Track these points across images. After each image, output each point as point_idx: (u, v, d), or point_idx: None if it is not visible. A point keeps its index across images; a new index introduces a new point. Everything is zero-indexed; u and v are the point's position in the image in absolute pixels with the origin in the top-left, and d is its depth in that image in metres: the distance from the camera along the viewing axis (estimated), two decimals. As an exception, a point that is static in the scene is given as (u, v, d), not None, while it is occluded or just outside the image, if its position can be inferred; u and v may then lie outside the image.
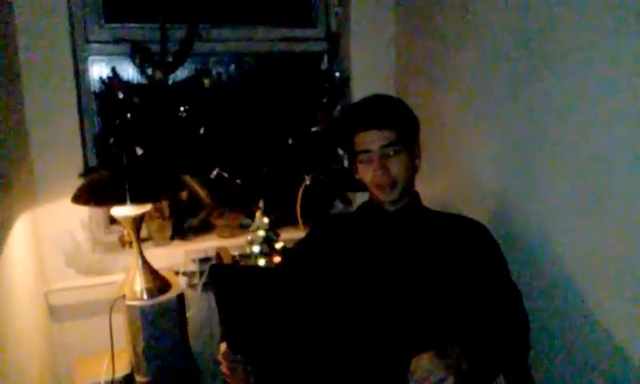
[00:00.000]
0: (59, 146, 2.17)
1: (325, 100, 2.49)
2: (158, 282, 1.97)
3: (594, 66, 1.43)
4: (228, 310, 1.36)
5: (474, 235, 1.53)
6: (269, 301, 1.35)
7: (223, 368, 1.44)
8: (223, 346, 1.44)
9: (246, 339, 1.38)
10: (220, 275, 1.39)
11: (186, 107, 2.24)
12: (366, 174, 1.51)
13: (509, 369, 1.50)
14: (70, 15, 2.19)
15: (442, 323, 1.42)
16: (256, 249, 2.12)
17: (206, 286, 2.20)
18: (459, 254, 1.49)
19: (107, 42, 2.34)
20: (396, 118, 1.50)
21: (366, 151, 1.48)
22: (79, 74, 2.27)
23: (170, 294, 1.95)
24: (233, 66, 2.60)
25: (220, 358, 1.45)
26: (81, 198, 1.84)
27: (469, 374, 1.23)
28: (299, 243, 1.78)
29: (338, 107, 2.58)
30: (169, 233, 2.42)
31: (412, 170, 1.54)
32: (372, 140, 1.47)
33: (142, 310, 1.89)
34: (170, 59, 2.22)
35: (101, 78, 2.25)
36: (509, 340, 1.39)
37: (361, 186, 1.57)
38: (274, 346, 1.36)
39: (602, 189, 1.43)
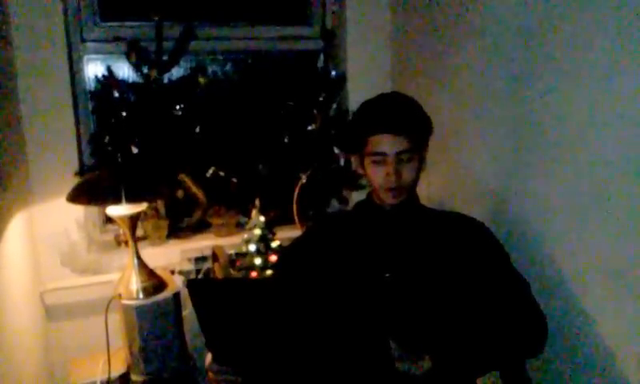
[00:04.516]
0: (55, 145, 2.17)
1: (321, 98, 2.48)
2: (153, 281, 1.96)
3: (594, 66, 1.43)
4: (208, 323, 1.36)
5: (472, 231, 1.53)
6: (249, 310, 1.34)
7: (210, 377, 1.44)
8: (209, 357, 1.44)
9: (229, 350, 1.38)
10: (197, 290, 1.38)
11: (182, 106, 2.23)
12: (377, 175, 1.49)
13: (507, 364, 1.51)
14: (66, 14, 2.19)
15: (441, 319, 1.43)
16: (252, 247, 2.12)
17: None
18: (458, 250, 1.49)
19: (103, 41, 2.34)
20: (416, 126, 1.47)
21: (381, 153, 1.46)
22: (75, 73, 2.27)
23: (166, 294, 1.95)
24: (229, 65, 2.60)
25: (206, 367, 1.45)
26: (76, 197, 1.83)
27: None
28: (296, 242, 1.78)
29: (334, 106, 2.58)
30: (165, 232, 2.42)
31: (420, 173, 1.54)
32: (389, 144, 1.44)
33: (138, 310, 1.89)
34: (166, 58, 2.21)
35: (96, 77, 2.24)
36: (510, 336, 1.39)
37: (358, 185, 1.57)
38: (261, 354, 1.35)
39: (601, 189, 1.43)
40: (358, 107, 1.55)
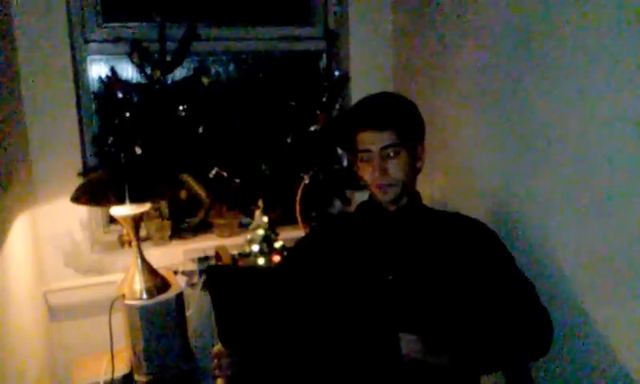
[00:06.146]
0: (58, 145, 2.17)
1: (324, 99, 2.49)
2: (157, 282, 1.97)
3: (594, 66, 1.43)
4: (223, 307, 1.37)
5: (476, 233, 1.53)
6: (265, 299, 1.36)
7: (214, 363, 1.46)
8: (217, 346, 1.45)
9: (241, 336, 1.39)
10: (217, 275, 1.40)
11: (185, 106, 2.23)
12: (366, 172, 1.51)
13: (512, 365, 1.52)
14: (69, 15, 2.19)
15: (443, 320, 1.43)
16: (255, 248, 2.12)
17: (205, 285, 2.20)
18: (460, 251, 1.49)
19: (106, 42, 2.34)
20: (398, 119, 1.48)
21: (367, 150, 1.48)
22: (78, 74, 2.28)
23: (170, 294, 1.95)
24: (232, 66, 2.61)
25: (212, 355, 1.46)
26: (80, 197, 1.84)
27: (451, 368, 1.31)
28: (299, 243, 1.79)
29: (337, 106, 2.58)
30: (168, 232, 2.42)
31: (413, 170, 1.53)
32: (372, 140, 1.46)
33: (142, 310, 1.89)
34: (169, 58, 2.21)
35: (100, 78, 2.25)
36: (515, 337, 1.39)
37: (360, 185, 1.57)
38: (269, 341, 1.37)
39: (601, 188, 1.43)
40: (348, 108, 1.58)
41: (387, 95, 1.60)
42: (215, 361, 1.44)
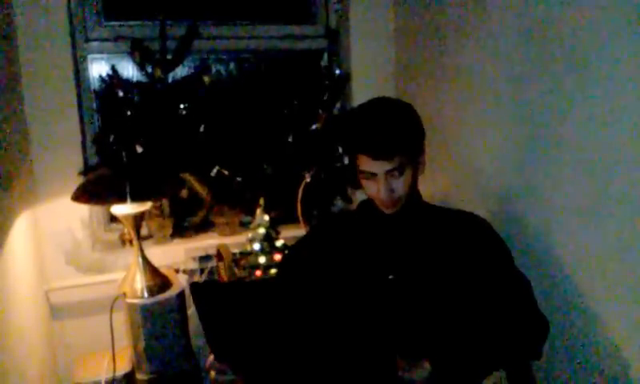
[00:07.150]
0: (59, 144, 2.18)
1: (325, 98, 2.49)
2: (158, 280, 1.97)
3: (594, 66, 1.43)
4: (211, 323, 1.36)
5: (475, 229, 1.53)
6: (254, 313, 1.35)
7: (211, 377, 1.45)
8: (211, 357, 1.45)
9: (232, 351, 1.39)
10: (201, 293, 1.39)
11: (186, 105, 2.23)
12: (370, 188, 1.46)
13: (510, 365, 1.52)
14: (70, 14, 2.20)
15: (443, 320, 1.43)
16: (256, 246, 2.12)
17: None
18: (461, 248, 1.48)
19: (107, 40, 2.35)
20: (403, 146, 1.41)
21: (370, 173, 1.43)
22: (79, 73, 2.28)
23: (171, 292, 1.95)
24: (232, 64, 2.60)
25: (207, 367, 1.46)
26: (81, 196, 1.84)
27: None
28: (299, 242, 1.79)
29: (338, 105, 2.58)
30: (169, 231, 2.42)
31: (416, 178, 1.50)
32: (377, 165, 1.40)
33: (143, 308, 1.89)
34: (170, 57, 2.21)
35: (101, 77, 2.24)
36: (509, 337, 1.39)
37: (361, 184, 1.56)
38: (262, 352, 1.36)
39: (602, 188, 1.43)
40: (347, 115, 1.52)
41: (387, 113, 1.45)
42: (211, 373, 1.44)
